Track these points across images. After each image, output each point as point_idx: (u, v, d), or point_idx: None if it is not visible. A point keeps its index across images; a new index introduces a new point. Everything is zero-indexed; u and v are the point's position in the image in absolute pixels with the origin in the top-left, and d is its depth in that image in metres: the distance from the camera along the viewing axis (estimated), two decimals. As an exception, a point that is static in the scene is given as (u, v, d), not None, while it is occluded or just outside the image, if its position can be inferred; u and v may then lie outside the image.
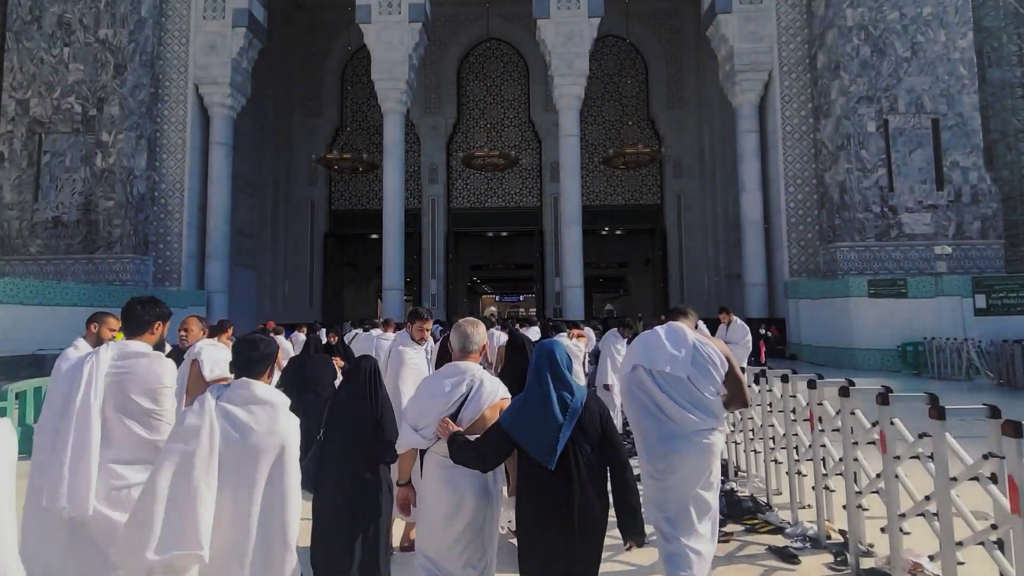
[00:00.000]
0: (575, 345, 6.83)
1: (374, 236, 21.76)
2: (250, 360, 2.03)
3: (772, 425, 4.86)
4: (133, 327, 2.44)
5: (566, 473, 2.04)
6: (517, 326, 8.98)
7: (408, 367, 4.59)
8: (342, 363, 5.70)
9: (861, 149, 15.32)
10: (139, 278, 15.72)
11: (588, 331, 8.66)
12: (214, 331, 4.38)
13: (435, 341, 9.81)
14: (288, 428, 1.98)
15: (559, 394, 2.10)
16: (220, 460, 1.86)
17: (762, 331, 14.20)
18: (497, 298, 47.28)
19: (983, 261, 14.85)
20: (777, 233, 16.43)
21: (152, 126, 16.34)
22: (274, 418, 1.95)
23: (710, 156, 22.95)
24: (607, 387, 6.62)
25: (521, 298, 45.85)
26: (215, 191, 16.83)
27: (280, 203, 23.64)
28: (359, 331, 10.70)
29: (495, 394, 2.36)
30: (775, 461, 4.89)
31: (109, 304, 13.44)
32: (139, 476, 2.15)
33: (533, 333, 8.34)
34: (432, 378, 2.49)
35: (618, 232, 26.68)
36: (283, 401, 2.02)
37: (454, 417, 2.27)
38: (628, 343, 7.38)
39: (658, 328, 2.89)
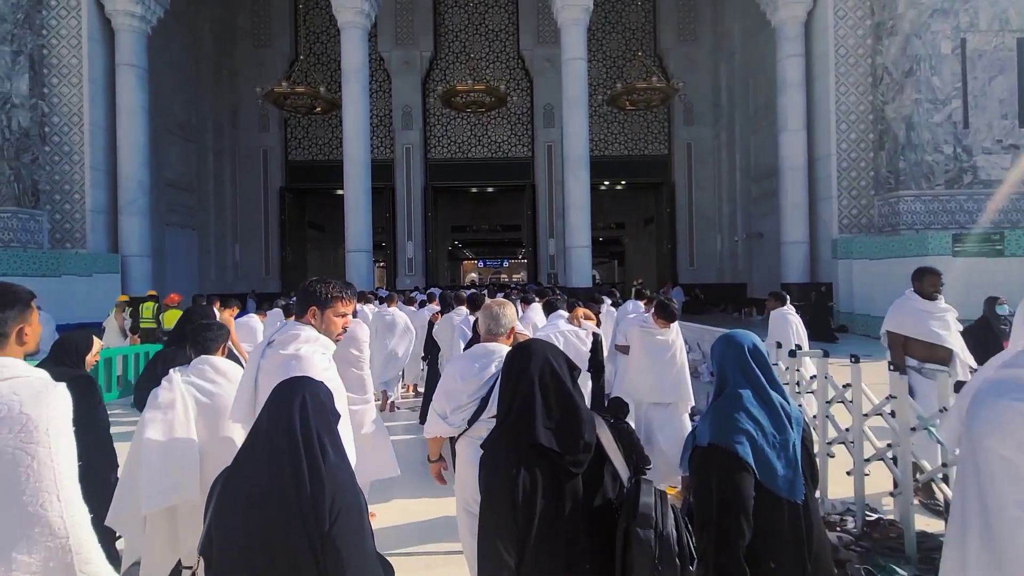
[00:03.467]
0: (579, 333, 4.03)
1: (340, 192, 18.40)
2: (205, 340, 2.43)
3: None
4: None
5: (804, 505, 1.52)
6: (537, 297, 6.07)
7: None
8: None
9: (933, 75, 12.52)
10: (29, 238, 12.25)
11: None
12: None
13: (417, 306, 7.34)
14: None
15: (781, 399, 1.57)
16: (199, 421, 2.23)
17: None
18: (480, 263, 44.23)
19: (1068, 213, 12.41)
20: (824, 182, 13.69)
21: (35, 39, 12.51)
22: (237, 382, 2.24)
23: (727, 99, 19.97)
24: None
25: (506, 263, 42.95)
26: (126, 126, 13.21)
27: (225, 152, 19.96)
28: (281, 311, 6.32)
29: None
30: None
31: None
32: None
33: (535, 312, 5.40)
34: (461, 358, 2.37)
35: (618, 187, 23.69)
36: (239, 370, 2.32)
37: (484, 400, 2.11)
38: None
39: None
